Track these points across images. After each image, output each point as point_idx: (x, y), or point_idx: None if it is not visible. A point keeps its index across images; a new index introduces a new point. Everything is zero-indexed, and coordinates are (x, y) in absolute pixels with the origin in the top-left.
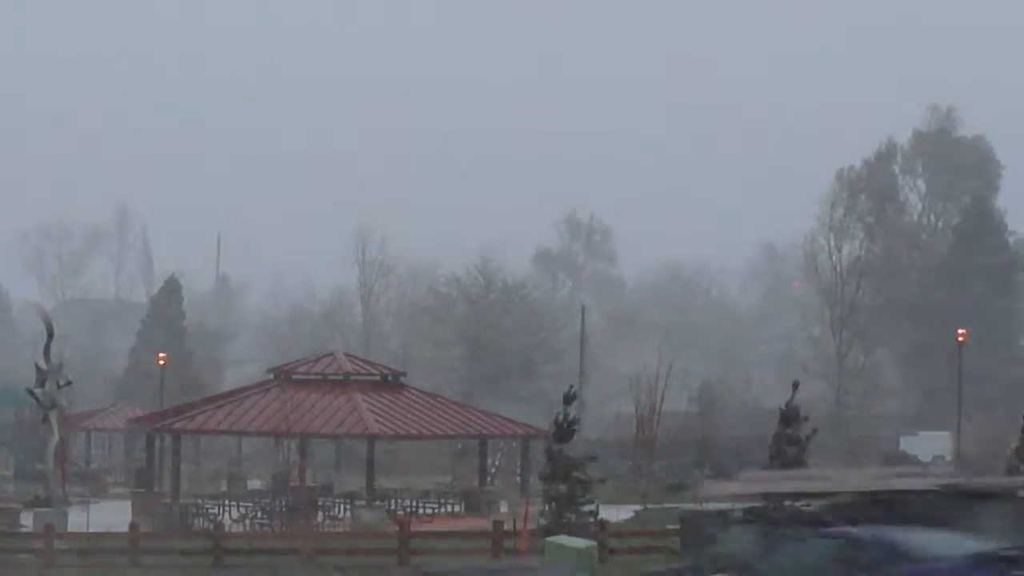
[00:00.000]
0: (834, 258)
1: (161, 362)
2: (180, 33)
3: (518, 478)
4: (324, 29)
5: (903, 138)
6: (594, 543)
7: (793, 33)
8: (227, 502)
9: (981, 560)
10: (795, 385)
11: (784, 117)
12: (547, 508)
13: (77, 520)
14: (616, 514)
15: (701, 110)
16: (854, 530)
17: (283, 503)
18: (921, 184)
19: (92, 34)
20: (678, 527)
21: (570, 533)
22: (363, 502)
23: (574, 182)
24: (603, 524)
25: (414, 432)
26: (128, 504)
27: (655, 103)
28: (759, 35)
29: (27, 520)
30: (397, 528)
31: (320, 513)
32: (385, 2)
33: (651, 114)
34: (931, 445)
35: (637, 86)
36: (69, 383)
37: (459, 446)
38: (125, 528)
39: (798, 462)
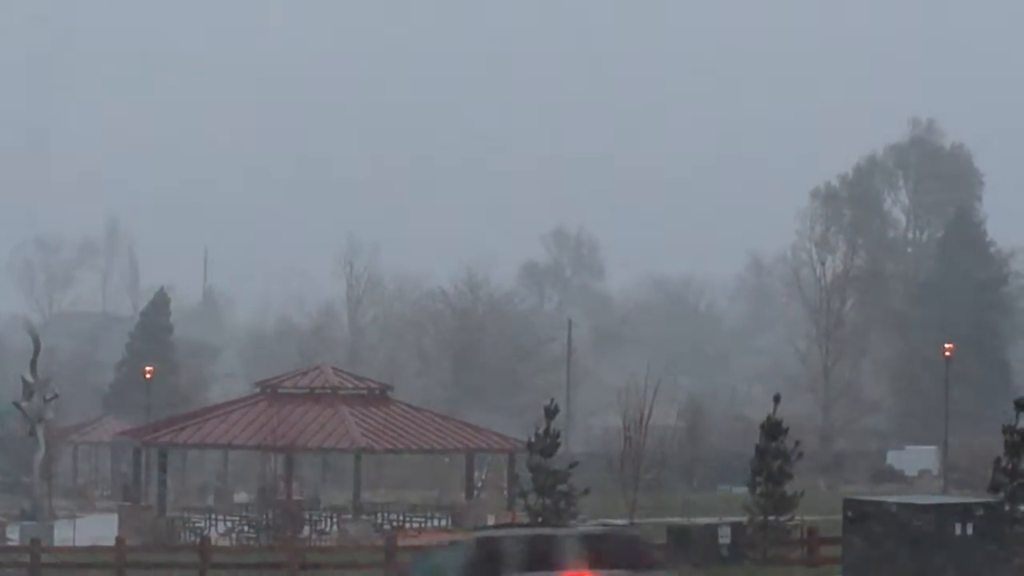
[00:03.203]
0: (818, 272)
1: (148, 375)
2: (171, 51)
3: (505, 491)
4: (316, 42)
5: (886, 150)
6: None
7: (775, 48)
8: (214, 516)
9: None
10: (776, 398)
11: (771, 129)
12: (534, 522)
13: (63, 534)
14: None
15: (689, 125)
16: None
17: (270, 517)
18: (904, 197)
19: (84, 48)
20: (665, 541)
21: None
22: (350, 516)
23: (562, 195)
24: None
25: (401, 446)
26: (115, 518)
27: (643, 118)
28: (742, 51)
29: (13, 534)
30: (384, 542)
31: (307, 527)
32: (379, 14)
33: (638, 128)
34: (918, 459)
35: (624, 101)
36: (56, 396)
37: (446, 460)
38: (111, 542)
39: (783, 475)
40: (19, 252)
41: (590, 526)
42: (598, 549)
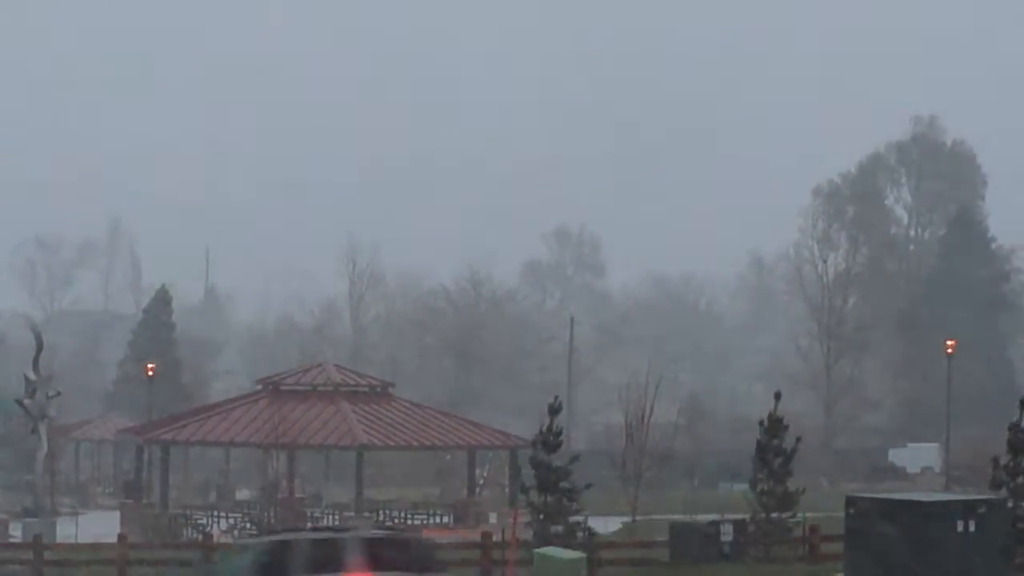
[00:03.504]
0: (819, 269)
1: (150, 373)
2: (172, 51)
3: (506, 488)
4: (316, 42)
5: (888, 148)
6: (583, 555)
7: (775, 48)
8: (216, 513)
9: None
10: (777, 396)
11: (771, 129)
12: (535, 520)
13: (66, 531)
14: (605, 525)
15: (688, 124)
16: None
17: (272, 514)
18: (907, 194)
19: (82, 53)
20: (667, 538)
21: (559, 545)
22: (352, 513)
23: (564, 194)
24: (592, 535)
25: (402, 443)
26: (117, 515)
27: (642, 118)
28: (742, 50)
29: (16, 530)
30: None
31: (308, 524)
32: (379, 14)
33: (639, 128)
34: (920, 456)
35: (624, 101)
36: (58, 394)
37: (447, 457)
38: (114, 539)
39: (785, 472)
40: (20, 252)
41: (373, 530)
42: (380, 552)
